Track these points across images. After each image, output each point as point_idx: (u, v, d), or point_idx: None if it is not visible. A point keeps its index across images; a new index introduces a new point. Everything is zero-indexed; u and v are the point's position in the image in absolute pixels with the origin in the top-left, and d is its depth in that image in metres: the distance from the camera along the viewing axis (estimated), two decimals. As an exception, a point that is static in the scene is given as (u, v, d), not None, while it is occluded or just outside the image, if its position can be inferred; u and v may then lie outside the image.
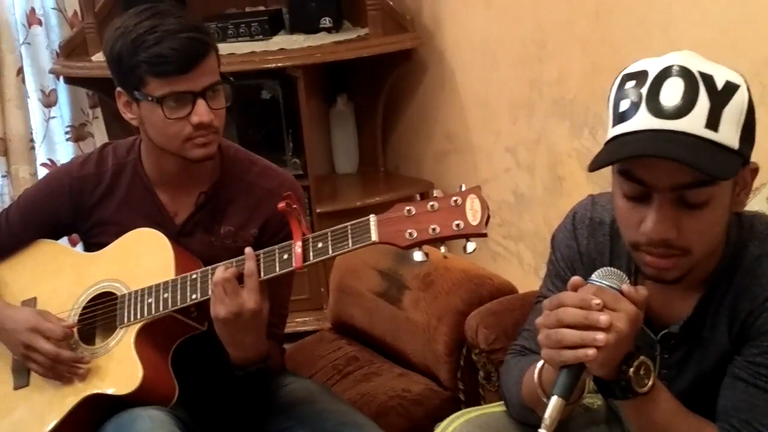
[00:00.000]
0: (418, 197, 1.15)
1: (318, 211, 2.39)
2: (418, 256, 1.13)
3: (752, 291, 1.00)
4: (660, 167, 0.93)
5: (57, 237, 1.50)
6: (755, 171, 1.00)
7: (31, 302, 1.45)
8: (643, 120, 0.94)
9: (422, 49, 2.45)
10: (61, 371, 1.34)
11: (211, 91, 1.31)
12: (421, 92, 2.54)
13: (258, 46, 2.37)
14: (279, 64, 2.30)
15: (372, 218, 1.15)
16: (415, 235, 1.12)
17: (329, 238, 1.19)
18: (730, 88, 0.94)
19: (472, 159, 2.42)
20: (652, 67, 0.96)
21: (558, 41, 2.07)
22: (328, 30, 2.42)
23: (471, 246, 1.11)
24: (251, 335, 1.26)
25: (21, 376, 1.41)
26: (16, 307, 1.43)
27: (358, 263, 1.81)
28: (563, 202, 2.07)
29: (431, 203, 1.13)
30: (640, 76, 0.96)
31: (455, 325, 1.58)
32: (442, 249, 1.13)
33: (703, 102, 0.93)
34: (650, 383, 0.96)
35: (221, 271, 1.24)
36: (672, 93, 0.93)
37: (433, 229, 1.11)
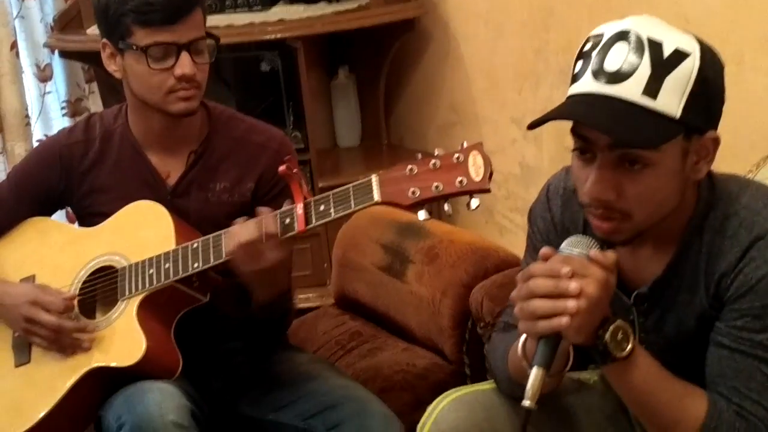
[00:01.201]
0: (419, 156, 1.14)
1: (320, 185, 2.35)
2: (422, 214, 1.13)
3: (723, 251, 1.00)
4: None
5: (51, 211, 1.49)
6: (716, 141, 0.99)
7: (29, 280, 1.43)
8: (586, 83, 0.97)
9: (425, 18, 2.42)
10: (65, 343, 1.33)
11: (195, 46, 1.32)
12: (424, 63, 2.51)
13: (256, 17, 2.33)
14: (278, 36, 2.27)
15: (374, 178, 1.15)
16: (418, 193, 1.12)
17: (331, 200, 1.19)
18: (678, 56, 0.94)
19: (478, 130, 2.39)
20: (609, 30, 0.97)
21: (565, 8, 2.04)
22: (329, 0, 2.37)
23: (475, 202, 1.12)
24: (280, 273, 1.29)
25: (22, 353, 1.39)
26: (13, 282, 1.42)
27: (361, 237, 1.79)
28: (570, 174, 2.03)
29: (433, 161, 1.13)
30: (596, 39, 0.98)
31: (460, 299, 1.57)
32: (446, 207, 1.13)
33: (644, 68, 0.93)
34: (629, 347, 0.97)
35: (236, 234, 1.21)
36: (615, 58, 0.95)
37: (436, 187, 1.11)
